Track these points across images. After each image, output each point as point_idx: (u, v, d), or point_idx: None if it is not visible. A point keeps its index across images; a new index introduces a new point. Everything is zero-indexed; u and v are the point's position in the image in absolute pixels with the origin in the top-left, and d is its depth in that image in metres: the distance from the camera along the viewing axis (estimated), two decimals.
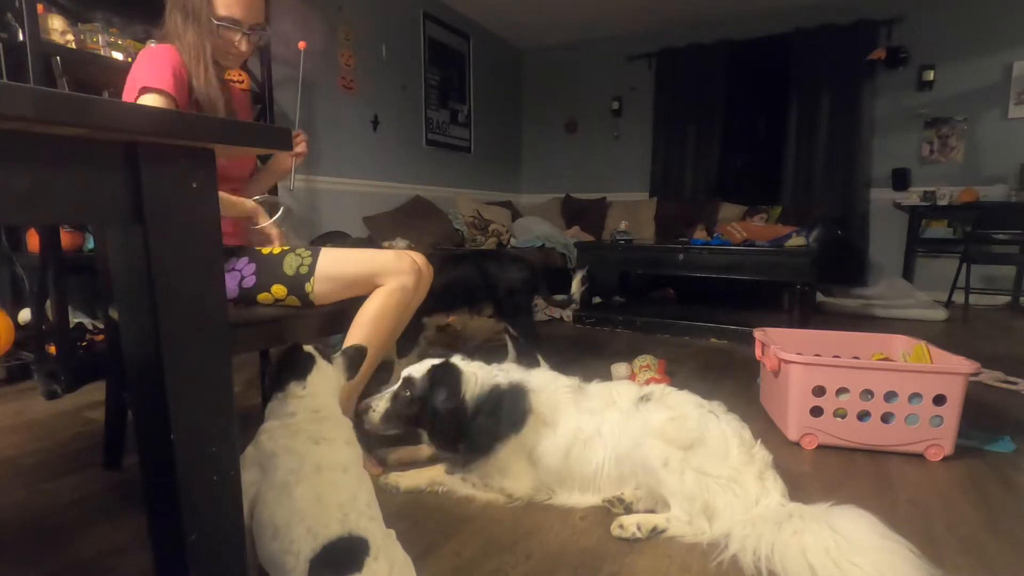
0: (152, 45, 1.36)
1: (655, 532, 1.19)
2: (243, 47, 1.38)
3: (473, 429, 1.33)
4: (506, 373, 1.42)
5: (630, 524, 1.21)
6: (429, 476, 1.40)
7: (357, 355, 1.09)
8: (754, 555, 1.08)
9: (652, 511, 1.27)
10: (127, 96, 1.30)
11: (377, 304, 1.37)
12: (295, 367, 1.00)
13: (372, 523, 0.86)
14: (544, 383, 1.40)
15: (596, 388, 1.44)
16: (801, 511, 1.12)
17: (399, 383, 1.39)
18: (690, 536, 1.18)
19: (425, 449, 1.54)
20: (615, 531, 1.21)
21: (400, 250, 1.43)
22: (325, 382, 1.01)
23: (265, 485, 0.87)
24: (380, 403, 1.36)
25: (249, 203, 1.40)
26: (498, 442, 1.32)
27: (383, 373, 2.15)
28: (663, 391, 1.38)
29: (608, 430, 1.33)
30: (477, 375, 1.39)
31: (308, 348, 1.04)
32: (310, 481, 0.86)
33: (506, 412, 1.33)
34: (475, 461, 1.35)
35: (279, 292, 1.35)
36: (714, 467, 1.21)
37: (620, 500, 1.29)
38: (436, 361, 1.40)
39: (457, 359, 1.42)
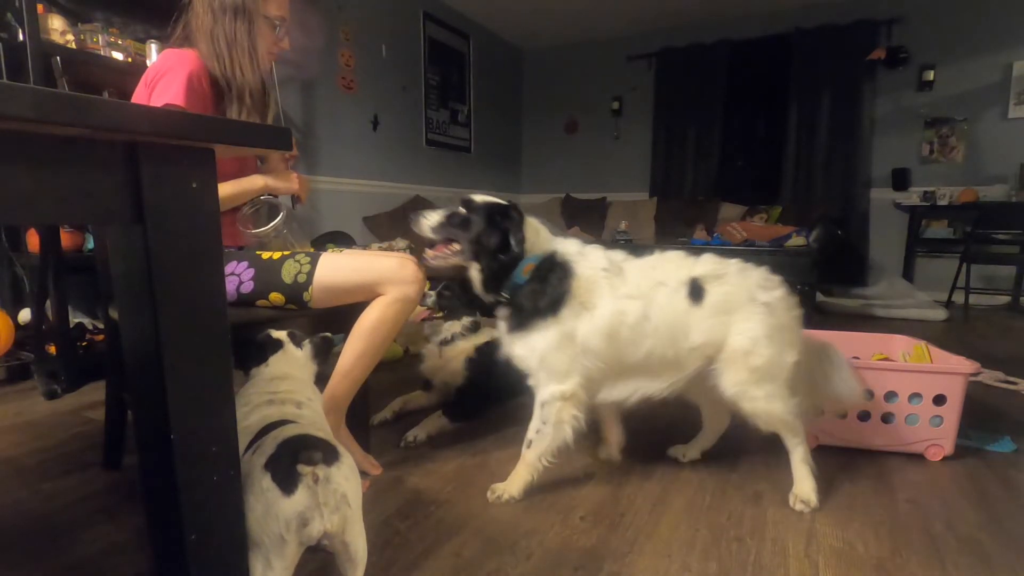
0: (171, 47, 1.37)
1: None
2: (285, 45, 1.45)
3: (524, 294, 1.32)
4: (562, 244, 1.39)
5: (809, 496, 1.33)
6: (526, 464, 1.37)
7: (322, 344, 1.15)
8: None
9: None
10: (139, 94, 1.29)
11: (376, 315, 1.36)
12: (256, 353, 1.08)
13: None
14: (586, 267, 1.35)
15: (637, 270, 1.36)
16: None
17: (460, 203, 1.39)
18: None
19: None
20: (797, 507, 1.32)
21: (402, 258, 1.41)
22: (289, 362, 1.09)
23: None
24: (433, 215, 1.37)
25: (258, 179, 1.39)
26: (539, 317, 1.31)
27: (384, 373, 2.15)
28: (716, 270, 1.35)
29: (657, 314, 1.30)
30: (539, 228, 1.39)
31: (277, 334, 1.11)
32: (261, 411, 0.94)
33: (550, 288, 1.31)
34: (518, 335, 1.34)
35: (277, 299, 1.34)
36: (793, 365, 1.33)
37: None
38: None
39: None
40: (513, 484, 1.36)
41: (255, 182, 1.39)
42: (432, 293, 1.89)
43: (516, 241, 1.31)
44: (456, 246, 1.35)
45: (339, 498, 0.80)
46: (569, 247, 1.38)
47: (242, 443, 0.87)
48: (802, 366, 1.37)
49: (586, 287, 1.31)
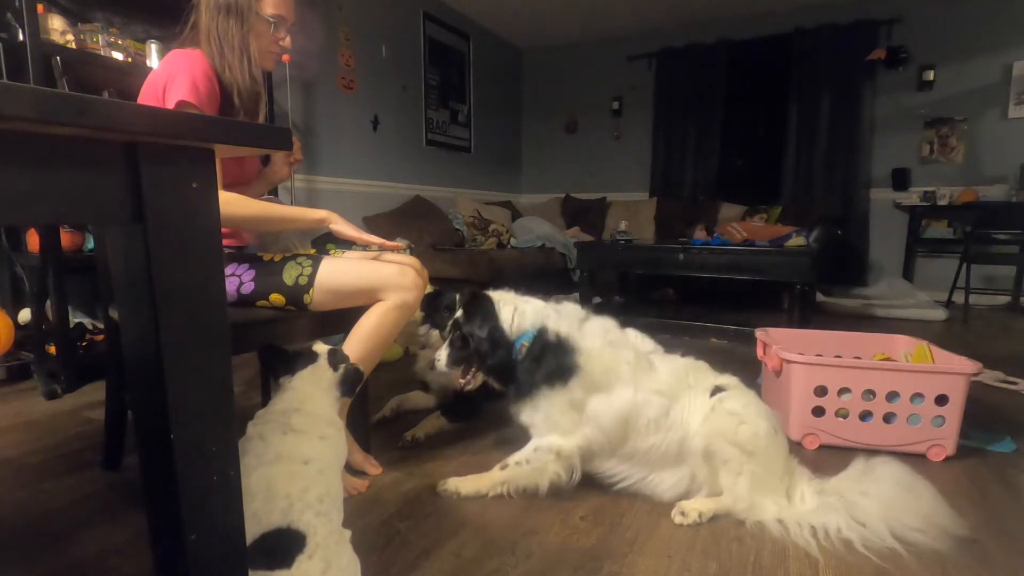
0: (176, 48, 1.36)
1: (713, 518, 1.28)
2: (287, 44, 1.43)
3: (523, 368, 1.35)
4: (558, 317, 1.39)
5: (692, 511, 1.27)
6: (490, 480, 1.37)
7: (355, 375, 1.10)
8: (824, 532, 1.20)
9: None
10: (150, 97, 1.29)
11: (375, 320, 1.36)
12: (289, 362, 1.03)
13: (318, 519, 0.85)
14: (597, 347, 1.35)
15: (667, 366, 1.38)
16: (839, 487, 1.28)
17: (449, 329, 1.43)
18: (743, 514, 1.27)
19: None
20: (676, 519, 1.27)
21: (403, 264, 1.41)
22: (314, 381, 1.03)
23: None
24: (441, 353, 1.42)
25: (320, 212, 1.37)
26: (544, 385, 1.32)
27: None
28: (738, 385, 1.38)
29: (678, 417, 1.32)
30: (517, 303, 1.39)
31: (319, 347, 1.07)
32: (267, 468, 0.87)
33: (548, 363, 1.33)
34: (520, 404, 1.37)
35: (277, 300, 1.34)
36: (768, 478, 1.27)
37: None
38: (467, 294, 1.43)
39: (499, 292, 1.43)
40: (466, 486, 1.36)
41: (315, 213, 1.36)
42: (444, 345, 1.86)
43: (501, 332, 1.35)
44: (474, 368, 1.41)
45: None
46: (562, 322, 1.39)
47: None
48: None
49: (600, 368, 1.33)
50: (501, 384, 1.41)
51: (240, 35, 1.33)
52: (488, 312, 1.37)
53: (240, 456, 0.86)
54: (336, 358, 1.08)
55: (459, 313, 1.42)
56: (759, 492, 1.26)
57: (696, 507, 1.27)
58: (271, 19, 1.37)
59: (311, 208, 1.40)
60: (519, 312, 1.38)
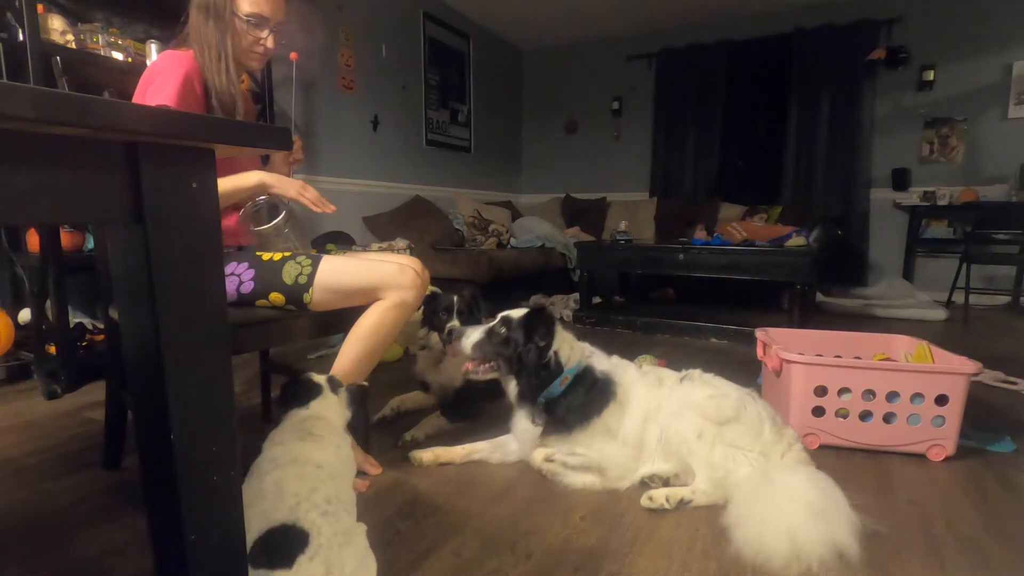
0: (171, 49, 1.37)
1: (682, 503, 1.31)
2: (269, 44, 1.41)
3: (565, 404, 1.40)
4: (596, 357, 1.49)
5: (659, 496, 1.31)
6: (543, 454, 1.43)
7: (358, 392, 1.16)
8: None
9: (685, 483, 1.37)
10: (139, 96, 1.30)
11: (374, 319, 1.36)
12: (300, 394, 1.09)
13: (324, 519, 0.85)
14: (623, 372, 1.48)
15: (647, 370, 1.55)
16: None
17: (496, 320, 1.44)
18: (714, 501, 1.30)
19: (459, 450, 1.56)
20: (644, 503, 1.31)
21: (402, 263, 1.41)
22: (328, 407, 1.10)
23: (254, 471, 0.93)
24: (474, 332, 1.42)
25: (252, 175, 1.33)
26: (586, 420, 1.39)
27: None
28: (700, 373, 1.48)
29: (662, 406, 1.42)
30: (572, 343, 1.45)
31: (318, 378, 1.12)
32: (282, 470, 0.90)
33: (596, 396, 1.41)
34: (559, 436, 1.41)
35: (277, 300, 1.34)
36: (746, 443, 1.31)
37: (658, 476, 1.39)
38: (534, 306, 1.45)
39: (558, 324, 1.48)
40: (538, 457, 1.44)
41: (248, 179, 1.33)
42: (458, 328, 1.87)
43: (555, 359, 1.40)
44: (492, 364, 1.43)
45: None
46: (602, 360, 1.49)
47: (248, 516, 0.77)
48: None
49: (627, 392, 1.44)
50: (518, 399, 1.44)
51: (218, 35, 1.33)
52: (552, 333, 1.41)
53: (259, 464, 0.92)
54: (334, 384, 1.14)
55: (516, 314, 1.44)
56: (734, 460, 1.31)
57: (664, 492, 1.32)
58: (247, 18, 1.35)
59: (245, 174, 1.34)
60: (574, 350, 1.45)
